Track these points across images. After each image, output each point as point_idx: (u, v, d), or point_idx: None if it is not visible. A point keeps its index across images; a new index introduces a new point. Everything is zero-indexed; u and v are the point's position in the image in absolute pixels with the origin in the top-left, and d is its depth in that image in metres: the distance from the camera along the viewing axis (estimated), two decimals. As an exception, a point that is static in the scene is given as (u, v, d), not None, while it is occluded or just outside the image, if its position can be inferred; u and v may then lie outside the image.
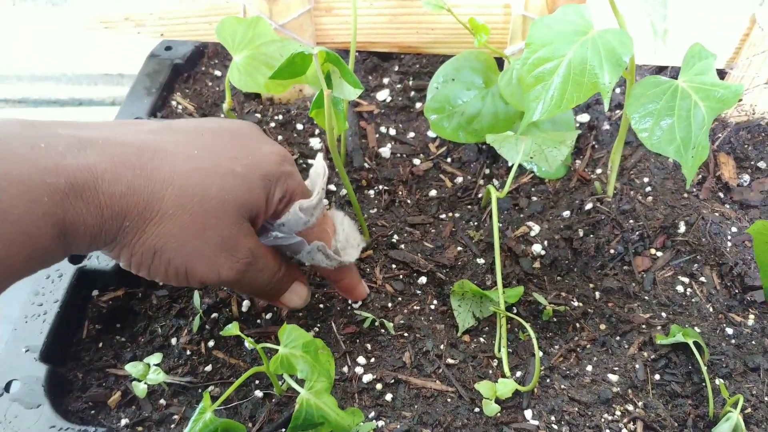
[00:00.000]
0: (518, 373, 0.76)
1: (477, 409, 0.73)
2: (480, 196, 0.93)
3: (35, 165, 0.53)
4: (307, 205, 0.67)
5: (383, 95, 1.05)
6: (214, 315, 0.79)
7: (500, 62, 0.92)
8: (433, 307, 0.82)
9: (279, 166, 0.66)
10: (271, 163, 0.65)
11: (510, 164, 0.96)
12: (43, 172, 0.52)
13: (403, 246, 0.86)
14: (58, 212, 0.53)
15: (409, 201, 0.93)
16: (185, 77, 1.07)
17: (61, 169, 0.53)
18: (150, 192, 0.58)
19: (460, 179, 0.96)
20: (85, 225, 0.55)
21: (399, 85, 1.06)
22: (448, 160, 0.98)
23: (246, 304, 0.79)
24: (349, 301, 0.80)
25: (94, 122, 0.61)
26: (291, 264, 0.73)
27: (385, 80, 1.07)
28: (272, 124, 1.00)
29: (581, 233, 0.86)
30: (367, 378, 0.74)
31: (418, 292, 0.83)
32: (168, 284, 0.68)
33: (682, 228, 0.86)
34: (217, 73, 1.09)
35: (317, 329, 0.78)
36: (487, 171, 0.96)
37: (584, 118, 1.00)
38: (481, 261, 0.86)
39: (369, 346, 0.78)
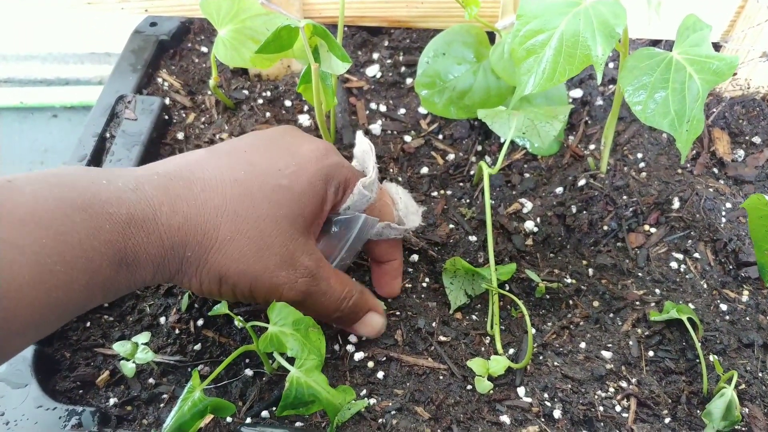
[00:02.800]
0: (511, 351, 0.76)
1: (469, 387, 0.72)
2: (472, 173, 0.92)
3: (98, 195, 0.55)
4: (368, 182, 0.69)
5: (373, 71, 1.03)
6: (203, 294, 0.78)
7: (492, 36, 0.90)
8: (425, 284, 0.81)
9: (323, 161, 0.67)
10: (314, 162, 0.66)
11: (502, 140, 0.95)
12: (104, 203, 0.55)
13: (394, 223, 0.85)
14: (120, 240, 0.55)
15: (400, 178, 0.92)
16: (171, 54, 1.06)
17: (122, 201, 0.56)
18: (206, 221, 0.60)
19: (451, 156, 0.94)
20: (147, 254, 0.57)
21: (389, 61, 1.04)
22: (440, 136, 0.97)
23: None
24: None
25: (145, 165, 0.64)
26: (365, 292, 0.73)
27: (375, 55, 1.05)
28: (260, 101, 0.98)
29: (574, 210, 0.85)
30: (359, 356, 0.74)
31: (410, 269, 0.82)
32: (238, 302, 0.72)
33: (676, 204, 0.85)
34: (204, 49, 1.07)
35: (308, 307, 0.77)
36: (479, 148, 0.95)
37: (577, 93, 0.99)
38: (473, 238, 0.85)
39: (360, 324, 0.77)
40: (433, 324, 0.77)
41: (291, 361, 0.62)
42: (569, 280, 0.81)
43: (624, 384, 0.72)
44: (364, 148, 0.74)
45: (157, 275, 0.60)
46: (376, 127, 0.97)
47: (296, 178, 0.64)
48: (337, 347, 0.75)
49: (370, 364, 0.73)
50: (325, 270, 0.67)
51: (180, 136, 0.95)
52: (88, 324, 0.78)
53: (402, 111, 0.99)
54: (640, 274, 0.82)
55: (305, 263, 0.64)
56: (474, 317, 0.79)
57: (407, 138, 0.96)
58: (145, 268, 0.58)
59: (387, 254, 0.77)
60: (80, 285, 0.53)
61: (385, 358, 0.74)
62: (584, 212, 0.85)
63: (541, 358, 0.75)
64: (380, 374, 0.73)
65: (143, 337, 0.72)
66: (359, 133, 0.77)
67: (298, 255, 0.64)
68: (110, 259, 0.55)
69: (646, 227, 0.85)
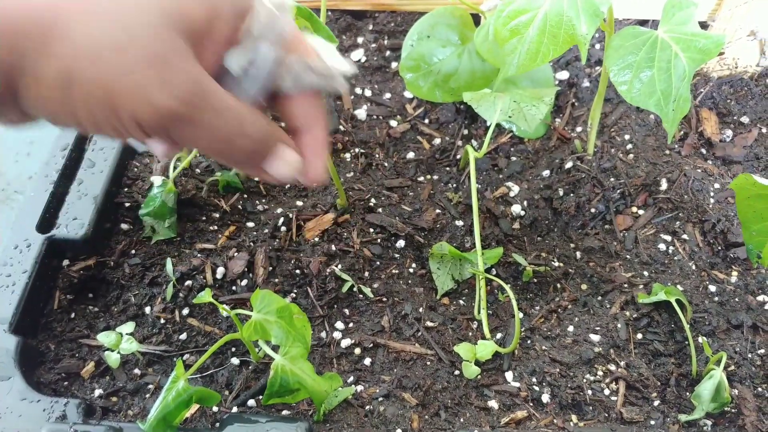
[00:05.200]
0: (498, 335, 0.75)
1: (457, 372, 0.72)
2: (458, 157, 0.91)
3: None
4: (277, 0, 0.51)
5: (357, 55, 1.02)
6: (188, 282, 0.77)
7: (476, 18, 0.89)
8: (411, 270, 0.81)
9: None
10: None
11: (489, 124, 0.94)
12: None
13: (380, 209, 0.84)
14: None
15: (386, 164, 0.91)
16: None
17: None
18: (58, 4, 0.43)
19: (437, 141, 0.94)
20: None
21: (374, 45, 1.03)
22: (426, 121, 0.96)
23: (221, 270, 0.78)
24: (331, 266, 0.78)
25: None
26: (271, 122, 0.54)
27: (360, 39, 1.04)
28: (245, 87, 0.97)
29: (561, 192, 0.85)
30: (346, 343, 0.73)
31: (397, 255, 0.81)
32: (104, 134, 0.49)
33: (664, 185, 0.85)
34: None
35: (294, 294, 0.77)
36: (466, 132, 0.94)
37: (563, 75, 0.98)
38: (459, 223, 0.84)
39: (347, 311, 0.76)
40: (420, 309, 0.76)
41: (276, 349, 0.62)
42: (557, 264, 0.81)
43: (612, 367, 0.72)
44: None
45: None
46: (361, 112, 0.96)
47: None
48: (323, 334, 0.74)
49: (357, 350, 0.73)
50: (216, 86, 0.48)
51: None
52: (73, 315, 0.77)
53: (387, 95, 0.98)
54: (628, 256, 0.81)
55: (185, 67, 0.46)
56: (461, 302, 0.79)
57: (393, 123, 0.95)
58: None
59: (306, 118, 0.55)
60: None
61: (372, 345, 0.73)
62: (571, 195, 0.84)
63: (528, 342, 0.74)
64: (367, 361, 0.72)
65: (128, 328, 0.72)
66: None
67: (173, 56, 0.46)
68: None
69: (634, 209, 0.84)
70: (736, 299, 0.77)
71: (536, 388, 0.70)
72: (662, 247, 0.81)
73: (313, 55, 0.54)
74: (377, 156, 0.91)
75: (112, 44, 0.44)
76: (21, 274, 0.75)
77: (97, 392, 0.71)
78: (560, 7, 0.64)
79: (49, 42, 0.43)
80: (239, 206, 0.84)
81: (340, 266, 0.78)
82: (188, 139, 0.48)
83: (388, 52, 1.02)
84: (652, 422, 0.68)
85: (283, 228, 0.82)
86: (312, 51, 0.54)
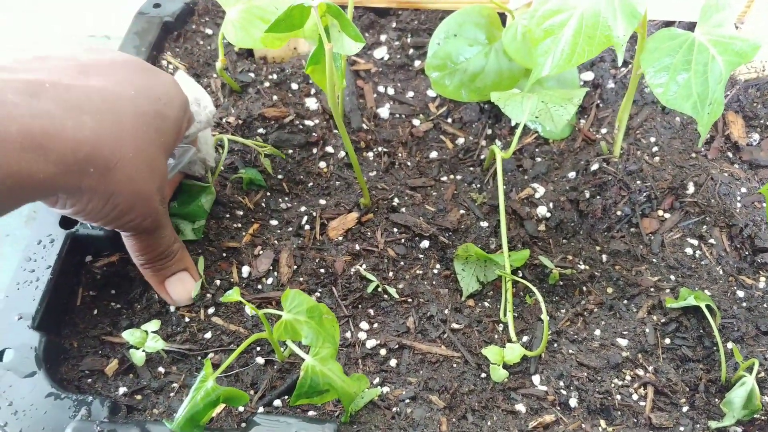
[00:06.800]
0: (524, 338, 0.75)
1: (483, 375, 0.71)
2: (482, 157, 0.91)
3: None
4: (207, 102, 0.76)
5: (381, 53, 1.02)
6: (216, 282, 0.76)
7: (503, 17, 0.89)
8: (436, 271, 0.80)
9: (182, 92, 0.68)
10: (179, 93, 0.68)
11: (513, 124, 0.93)
12: None
13: (404, 209, 0.84)
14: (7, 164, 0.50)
15: (409, 163, 0.90)
16: (175, 36, 1.03)
17: (12, 117, 0.51)
18: (111, 136, 0.57)
19: (461, 140, 0.93)
20: (45, 174, 0.53)
21: (397, 43, 1.02)
22: (449, 120, 0.95)
23: (246, 270, 0.77)
24: (356, 265, 0.78)
25: (12, 58, 0.58)
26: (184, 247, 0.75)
27: (383, 37, 1.03)
28: (266, 84, 0.97)
29: (587, 195, 0.84)
30: (371, 343, 0.73)
31: (421, 256, 0.81)
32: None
33: (691, 188, 0.84)
34: (209, 31, 1.05)
35: (318, 294, 0.76)
36: (489, 131, 0.93)
37: (588, 76, 0.97)
38: (484, 224, 0.84)
39: (372, 311, 0.76)
40: (446, 311, 0.76)
41: (305, 349, 0.61)
42: (582, 267, 0.80)
43: (641, 372, 0.71)
44: (191, 86, 0.76)
45: (46, 193, 0.56)
46: (384, 111, 0.95)
47: (171, 108, 0.65)
48: (348, 335, 0.73)
49: (383, 351, 0.72)
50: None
51: (185, 119, 0.93)
52: (96, 312, 0.76)
53: (410, 94, 0.98)
54: (654, 260, 0.81)
55: (166, 192, 0.67)
56: (486, 304, 0.78)
57: (416, 122, 0.95)
58: (35, 191, 0.54)
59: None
60: None
61: (397, 346, 0.73)
62: (597, 197, 0.84)
63: (555, 345, 0.74)
64: (393, 362, 0.72)
65: (153, 325, 0.71)
66: (180, 73, 0.81)
67: (165, 183, 0.66)
68: None
69: (660, 212, 0.84)
70: (765, 305, 0.76)
71: (564, 392, 0.69)
72: (689, 251, 0.81)
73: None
74: (400, 155, 0.91)
75: (147, 173, 0.62)
76: (44, 270, 0.75)
77: (122, 390, 0.70)
78: (597, 8, 0.63)
79: (109, 170, 0.57)
80: (263, 204, 0.84)
81: (364, 266, 0.78)
82: (135, 244, 0.69)
83: (411, 50, 1.02)
84: (681, 429, 0.67)
85: (307, 226, 0.81)
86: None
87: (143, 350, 0.70)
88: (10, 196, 0.52)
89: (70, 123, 0.54)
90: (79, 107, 0.55)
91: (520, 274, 0.79)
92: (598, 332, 0.75)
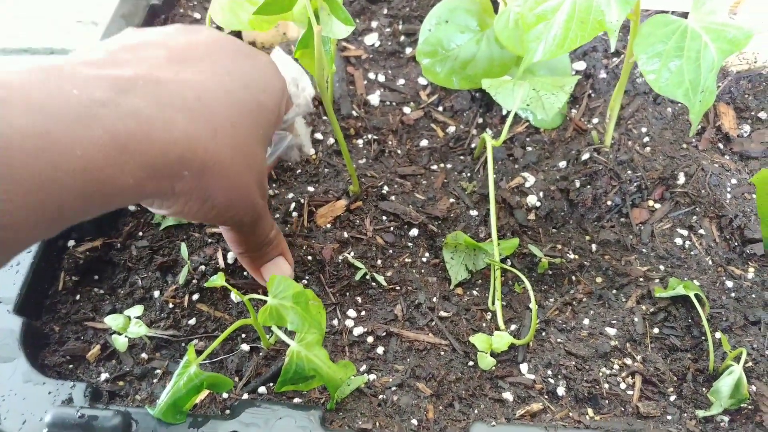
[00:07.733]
0: (512, 327, 0.74)
1: (471, 363, 0.70)
2: (473, 146, 0.90)
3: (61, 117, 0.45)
4: (305, 83, 0.72)
5: (371, 39, 1.01)
6: (200, 267, 0.75)
7: (495, 4, 0.88)
8: (425, 259, 0.79)
9: (280, 75, 0.64)
10: (277, 77, 0.63)
11: (504, 113, 0.92)
12: (73, 122, 0.45)
13: (393, 197, 0.83)
14: (93, 168, 0.46)
15: (399, 151, 0.89)
16: (162, 20, 1.02)
17: (96, 119, 0.46)
18: (206, 136, 0.53)
19: (452, 128, 0.92)
20: (134, 178, 0.49)
21: (388, 29, 1.01)
22: (440, 108, 0.94)
23: (231, 255, 0.76)
24: (344, 253, 0.77)
25: (101, 50, 0.52)
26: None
27: (374, 24, 1.02)
28: (256, 70, 0.95)
29: (578, 184, 0.83)
30: (358, 331, 0.72)
31: (410, 244, 0.80)
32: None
33: (681, 179, 0.83)
34: (197, 15, 1.04)
35: (306, 281, 0.75)
36: (480, 120, 0.93)
37: (580, 65, 0.96)
38: (474, 213, 0.83)
39: (359, 299, 0.75)
40: (434, 299, 0.75)
41: (290, 335, 0.60)
42: (572, 256, 0.80)
43: (629, 361, 0.71)
44: (289, 66, 0.73)
45: (133, 199, 0.53)
46: (374, 98, 0.94)
47: (269, 95, 0.60)
48: (335, 322, 0.73)
49: (370, 339, 0.72)
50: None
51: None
52: (78, 297, 0.75)
53: (401, 81, 0.97)
54: (644, 250, 0.80)
55: (266, 184, 0.63)
56: (475, 293, 0.77)
57: (406, 109, 0.94)
58: (123, 195, 0.49)
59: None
60: (34, 225, 0.45)
61: (384, 333, 0.72)
62: (588, 187, 0.83)
63: (543, 334, 0.73)
64: (380, 349, 0.71)
65: (136, 311, 0.70)
66: (277, 50, 0.76)
67: (264, 175, 0.62)
68: (78, 192, 0.46)
69: (651, 203, 0.83)
70: (753, 295, 0.76)
71: (551, 381, 0.69)
72: (678, 241, 0.80)
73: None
74: (390, 143, 0.90)
75: (246, 172, 0.58)
76: (26, 254, 0.74)
77: (103, 376, 0.69)
78: (590, -7, 0.62)
79: (205, 173, 0.54)
80: (250, 190, 0.83)
81: (352, 253, 0.77)
82: (236, 238, 0.66)
83: (402, 37, 1.01)
84: (669, 417, 0.67)
85: (295, 214, 0.80)
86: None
87: (126, 336, 0.69)
88: (92, 203, 0.48)
89: (160, 123, 0.49)
90: (170, 104, 0.51)
91: (509, 263, 0.78)
92: (586, 321, 0.74)
